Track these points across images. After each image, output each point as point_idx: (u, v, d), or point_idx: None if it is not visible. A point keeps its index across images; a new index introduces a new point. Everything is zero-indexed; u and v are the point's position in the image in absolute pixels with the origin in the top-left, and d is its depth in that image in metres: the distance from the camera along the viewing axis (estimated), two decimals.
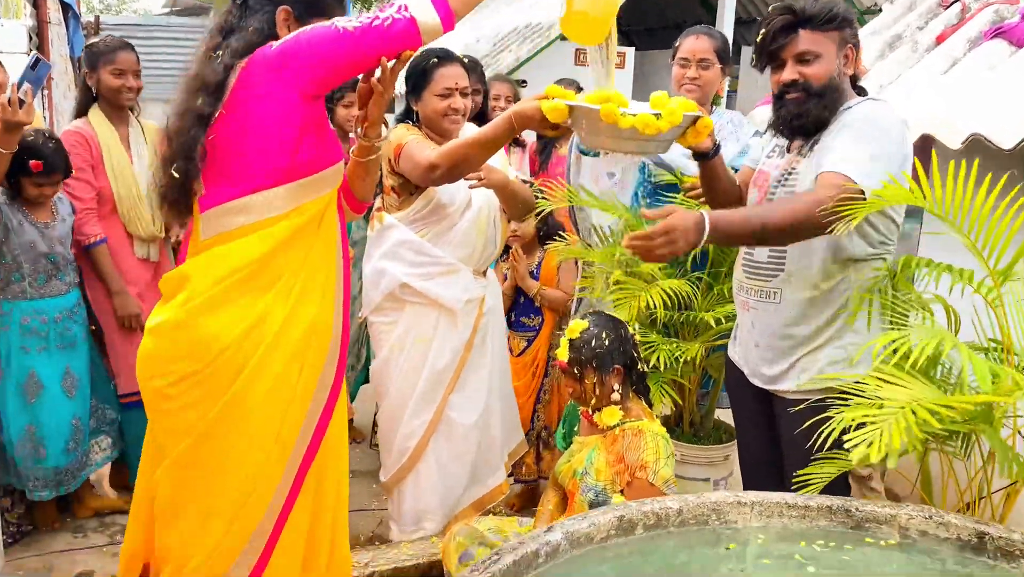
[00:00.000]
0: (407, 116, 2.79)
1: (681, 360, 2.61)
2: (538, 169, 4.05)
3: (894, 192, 1.77)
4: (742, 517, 1.66)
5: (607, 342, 2.31)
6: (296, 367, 1.94)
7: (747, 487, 2.51)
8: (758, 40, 2.14)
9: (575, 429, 2.56)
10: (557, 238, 3.14)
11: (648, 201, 2.99)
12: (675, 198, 2.82)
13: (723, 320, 2.65)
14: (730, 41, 3.01)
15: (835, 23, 2.06)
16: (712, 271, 2.89)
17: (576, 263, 3.26)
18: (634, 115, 1.94)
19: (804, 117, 2.09)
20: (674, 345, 2.67)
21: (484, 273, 2.93)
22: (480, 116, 3.12)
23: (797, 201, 1.97)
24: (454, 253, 2.77)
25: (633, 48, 9.02)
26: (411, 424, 2.80)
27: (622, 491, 2.24)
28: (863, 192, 1.87)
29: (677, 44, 2.93)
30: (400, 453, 2.83)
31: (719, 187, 2.34)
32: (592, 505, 2.26)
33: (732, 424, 3.23)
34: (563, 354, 2.35)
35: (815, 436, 1.79)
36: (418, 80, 2.71)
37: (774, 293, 2.19)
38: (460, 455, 2.88)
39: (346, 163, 2.14)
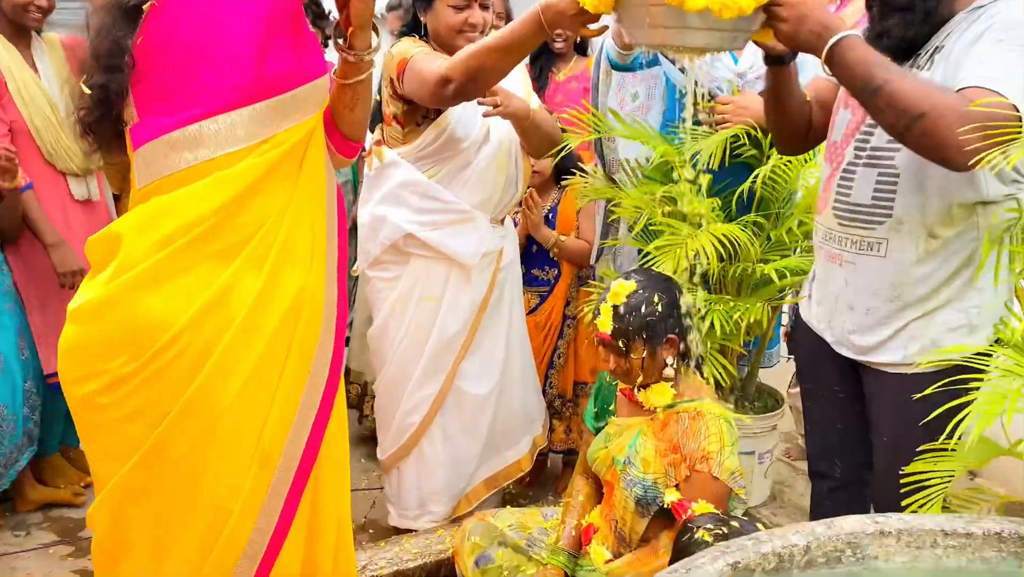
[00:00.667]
0: (414, 29, 2.39)
1: (743, 323, 2.18)
2: None
3: None
4: (884, 551, 1.27)
5: (660, 307, 1.90)
6: (279, 353, 1.51)
7: (814, 482, 2.13)
8: None
9: (609, 408, 2.17)
10: (578, 174, 2.67)
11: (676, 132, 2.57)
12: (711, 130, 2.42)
13: (787, 274, 2.24)
14: None
15: None
16: (762, 213, 2.49)
17: (597, 205, 2.80)
18: None
19: (887, 37, 1.70)
20: (730, 304, 2.24)
21: (502, 221, 2.55)
22: None
23: (942, 92, 1.52)
24: (468, 197, 2.39)
25: None
26: (415, 397, 2.48)
27: (677, 485, 1.88)
28: (1019, 116, 1.44)
29: None
30: (401, 430, 2.50)
31: (790, 104, 1.93)
32: (639, 502, 1.91)
33: (777, 388, 2.90)
34: (605, 325, 1.93)
35: (950, 425, 1.40)
36: None
37: (878, 244, 1.77)
38: (471, 428, 2.54)
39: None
